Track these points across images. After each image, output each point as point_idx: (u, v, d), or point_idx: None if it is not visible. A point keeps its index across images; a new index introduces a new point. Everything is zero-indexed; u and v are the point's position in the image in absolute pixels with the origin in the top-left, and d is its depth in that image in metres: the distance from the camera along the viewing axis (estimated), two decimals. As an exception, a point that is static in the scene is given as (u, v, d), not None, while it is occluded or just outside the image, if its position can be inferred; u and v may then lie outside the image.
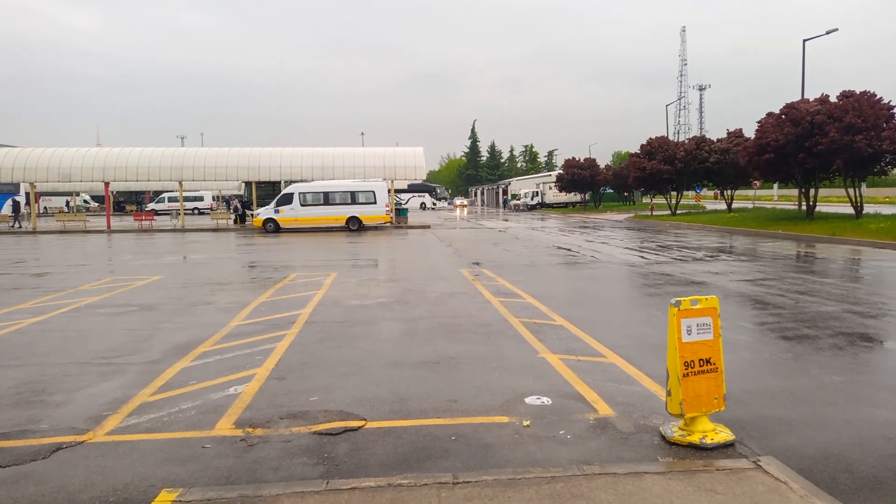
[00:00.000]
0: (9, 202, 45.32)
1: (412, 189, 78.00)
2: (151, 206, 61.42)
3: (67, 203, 63.65)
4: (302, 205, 33.41)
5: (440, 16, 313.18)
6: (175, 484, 4.19)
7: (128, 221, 45.56)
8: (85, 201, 68.38)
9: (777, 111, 26.58)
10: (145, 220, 40.29)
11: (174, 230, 36.56)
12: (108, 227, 38.00)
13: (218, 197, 65.43)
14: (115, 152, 37.47)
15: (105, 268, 17.81)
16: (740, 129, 37.53)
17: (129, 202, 70.37)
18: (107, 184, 38.69)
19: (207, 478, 4.30)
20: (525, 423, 5.17)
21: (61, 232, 35.82)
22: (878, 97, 23.82)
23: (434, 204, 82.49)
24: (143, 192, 69.01)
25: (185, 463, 4.53)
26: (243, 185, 49.77)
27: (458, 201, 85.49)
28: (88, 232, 35.80)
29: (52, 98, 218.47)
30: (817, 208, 28.51)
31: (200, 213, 61.41)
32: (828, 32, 30.86)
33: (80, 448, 4.84)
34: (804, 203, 28.56)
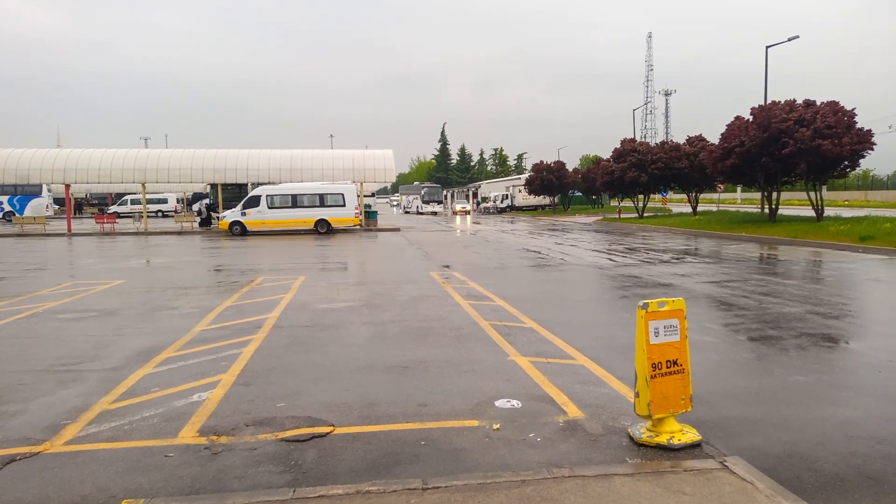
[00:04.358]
0: None
1: (408, 191, 72.76)
2: (114, 208, 59.99)
3: None
4: (269, 207, 33.00)
5: (414, 17, 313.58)
6: (137, 494, 4.07)
7: (89, 224, 44.47)
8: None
9: (740, 114, 27.17)
10: (107, 222, 39.37)
11: (137, 233, 35.79)
12: (69, 230, 37.01)
13: (183, 199, 64.20)
14: (77, 153, 36.52)
15: (65, 272, 17.33)
16: (701, 134, 38.30)
17: (100, 204, 68.79)
18: (67, 186, 37.73)
19: (170, 487, 4.18)
20: (495, 426, 5.15)
21: (19, 235, 34.78)
22: (840, 105, 24.54)
23: (421, 208, 68.88)
24: (105, 195, 67.51)
25: (147, 472, 4.40)
26: (209, 186, 49.03)
27: (457, 206, 66.41)
28: (48, 235, 34.82)
29: (9, 96, 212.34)
30: (779, 211, 29.18)
31: (165, 216, 60.21)
32: (789, 39, 31.70)
33: (36, 459, 4.67)
34: (767, 206, 29.21)
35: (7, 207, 50.83)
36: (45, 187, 50.03)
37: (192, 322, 9.66)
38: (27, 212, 49.82)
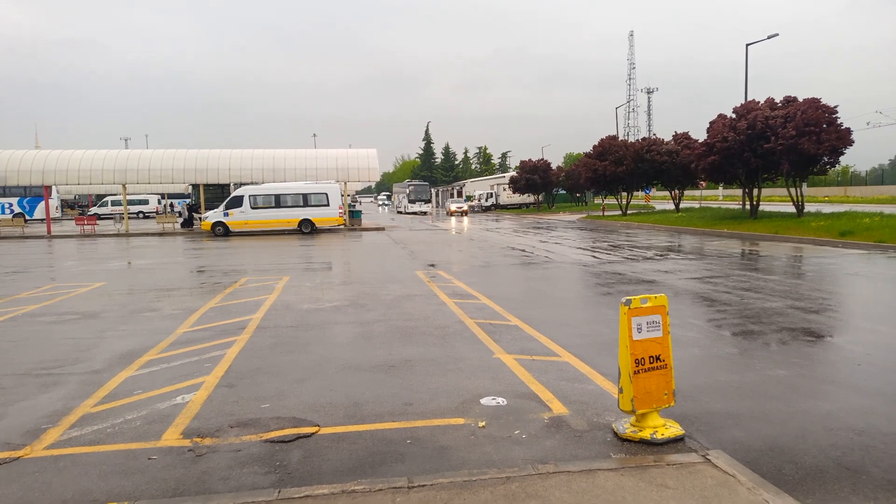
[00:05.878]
0: None
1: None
2: (94, 210, 59.27)
3: None
4: (252, 207, 32.77)
5: (398, 16, 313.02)
6: (120, 497, 4.04)
7: (69, 226, 43.91)
8: None
9: (723, 112, 27.45)
10: (87, 224, 38.88)
11: (118, 235, 35.39)
12: (49, 232, 36.53)
13: (163, 199, 63.52)
14: (56, 154, 36.04)
15: (45, 275, 17.10)
16: (687, 133, 38.47)
17: (81, 206, 67.93)
18: (47, 187, 37.23)
19: (154, 490, 4.15)
20: (481, 424, 5.16)
21: (-3, 238, 34.27)
22: (821, 102, 24.84)
23: (406, 208, 64.43)
24: (85, 196, 66.80)
25: (130, 475, 4.37)
26: (191, 187, 48.65)
27: (452, 205, 58.57)
28: (27, 237, 34.35)
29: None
30: (761, 207, 29.47)
31: (146, 217, 59.56)
32: (769, 37, 32.02)
33: (16, 464, 4.61)
34: (748, 202, 29.50)
35: (17, 209, 50.15)
36: (53, 189, 49.44)
37: (175, 324, 9.58)
38: (37, 213, 49.35)
